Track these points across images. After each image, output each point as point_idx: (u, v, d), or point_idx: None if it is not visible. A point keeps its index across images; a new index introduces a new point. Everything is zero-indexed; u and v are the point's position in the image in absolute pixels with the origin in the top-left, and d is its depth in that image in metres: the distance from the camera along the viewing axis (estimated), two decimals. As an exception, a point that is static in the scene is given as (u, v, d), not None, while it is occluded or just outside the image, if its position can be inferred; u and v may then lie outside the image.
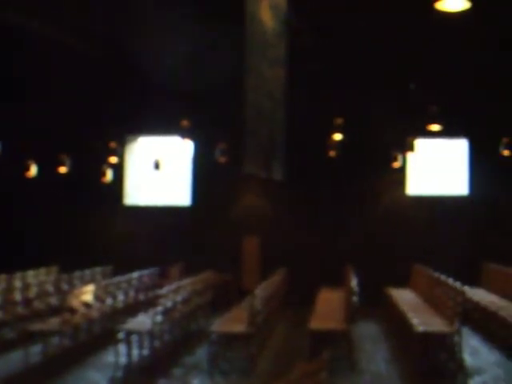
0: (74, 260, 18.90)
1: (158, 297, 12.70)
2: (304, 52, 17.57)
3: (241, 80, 13.32)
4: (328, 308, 13.94)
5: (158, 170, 19.38)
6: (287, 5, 15.75)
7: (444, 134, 19.19)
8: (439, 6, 6.99)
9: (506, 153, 18.60)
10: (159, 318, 12.30)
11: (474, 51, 18.45)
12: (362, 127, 19.37)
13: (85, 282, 16.56)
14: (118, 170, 20.85)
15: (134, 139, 21.80)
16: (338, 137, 18.25)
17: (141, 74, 19.43)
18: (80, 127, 20.57)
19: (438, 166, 20.51)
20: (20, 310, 14.47)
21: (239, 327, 11.76)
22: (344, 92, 19.23)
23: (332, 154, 19.10)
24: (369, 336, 14.97)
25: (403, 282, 17.87)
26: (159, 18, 17.17)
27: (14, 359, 12.41)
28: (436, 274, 14.70)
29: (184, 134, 16.29)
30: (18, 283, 15.97)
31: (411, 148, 17.80)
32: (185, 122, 15.93)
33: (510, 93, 18.85)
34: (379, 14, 16.99)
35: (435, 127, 15.71)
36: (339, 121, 17.39)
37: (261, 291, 12.82)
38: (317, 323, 12.06)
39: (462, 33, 17.37)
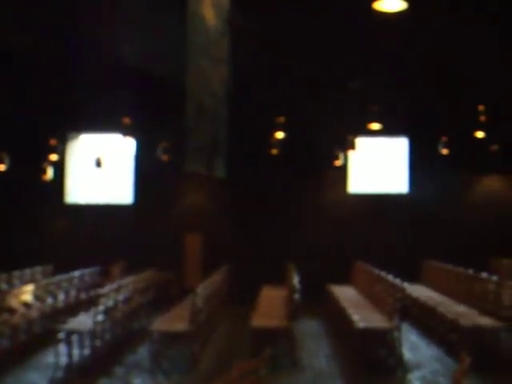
0: (14, 259, 18.56)
1: (100, 296, 12.55)
2: (247, 50, 17.60)
3: (183, 78, 13.31)
4: (270, 306, 14.00)
5: (100, 168, 19.17)
6: (230, 3, 15.78)
7: (384, 132, 19.51)
8: (377, 6, 7.09)
9: (444, 152, 18.98)
10: (100, 318, 12.16)
11: (414, 51, 18.76)
12: (303, 125, 19.52)
13: (24, 282, 16.27)
14: (59, 167, 20.56)
15: (76, 136, 21.53)
16: (279, 135, 18.38)
17: (83, 71, 19.19)
18: (20, 124, 20.19)
19: (378, 165, 20.80)
20: (-44, 310, 14.13)
21: (181, 325, 11.72)
22: (286, 90, 19.32)
23: (274, 151, 19.22)
24: (311, 333, 15.09)
25: (345, 279, 18.07)
26: (99, 14, 17.02)
27: (-50, 361, 12.13)
28: (376, 271, 14.89)
29: (126, 131, 16.17)
30: (-47, 283, 15.63)
31: (352, 146, 18.03)
32: (126, 120, 15.81)
33: (448, 92, 19.22)
34: (320, 14, 17.15)
35: (375, 126, 15.94)
36: (281, 119, 17.50)
37: (202, 289, 12.80)
38: (258, 321, 12.09)
39: (401, 32, 17.66)
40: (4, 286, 15.80)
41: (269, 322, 12.09)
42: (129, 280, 14.79)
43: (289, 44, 18.59)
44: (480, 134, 17.67)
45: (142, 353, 12.76)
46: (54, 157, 18.88)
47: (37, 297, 14.03)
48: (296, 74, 19.04)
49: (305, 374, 11.27)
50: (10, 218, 20.85)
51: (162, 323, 12.22)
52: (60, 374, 11.43)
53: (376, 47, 18.56)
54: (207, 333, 13.68)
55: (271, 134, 18.43)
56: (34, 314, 13.68)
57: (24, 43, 18.36)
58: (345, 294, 15.92)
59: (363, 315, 12.52)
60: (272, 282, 17.41)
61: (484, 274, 14.25)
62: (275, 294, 15.76)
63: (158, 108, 19.00)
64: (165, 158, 18.31)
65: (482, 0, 17.97)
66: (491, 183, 20.42)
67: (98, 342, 12.32)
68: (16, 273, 16.66)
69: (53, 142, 18.64)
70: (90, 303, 14.95)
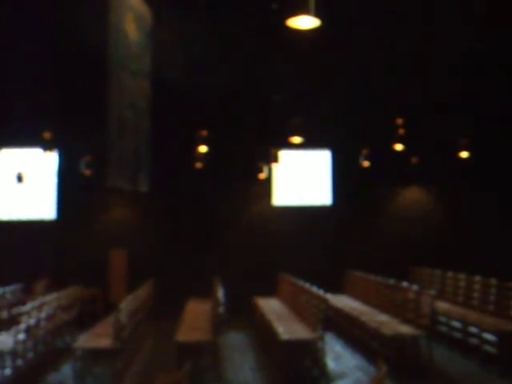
0: None
1: (21, 314, 12.32)
2: (169, 64, 17.60)
3: (104, 92, 13.22)
4: (195, 319, 13.98)
5: (21, 183, 18.84)
6: (152, 17, 15.77)
7: (307, 145, 19.79)
8: (291, 23, 7.20)
9: (365, 164, 19.36)
10: (22, 336, 11.94)
11: (334, 65, 19.15)
12: (227, 139, 19.62)
13: None
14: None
15: (-4, 151, 21.09)
16: (203, 149, 18.41)
17: (3, 86, 18.87)
18: None
19: (302, 177, 21.06)
20: None
21: (105, 342, 11.61)
22: (209, 104, 19.40)
23: (198, 165, 19.24)
24: (236, 346, 15.12)
25: (271, 292, 18.19)
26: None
27: None
28: (300, 283, 15.05)
29: (46, 146, 15.92)
30: None
31: (276, 159, 18.20)
32: (47, 134, 15.59)
33: (368, 105, 19.64)
34: (242, 30, 17.35)
35: (297, 139, 16.16)
36: (204, 133, 17.54)
37: (126, 305, 12.70)
38: (183, 335, 12.08)
39: (320, 47, 18.02)
40: None
41: (193, 336, 12.09)
42: (52, 297, 14.53)
43: (210, 57, 18.69)
44: (399, 147, 18.10)
45: (66, 371, 12.57)
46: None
47: (-45, 317, 13.65)
48: (218, 87, 19.14)
49: (230, 387, 11.32)
50: None
51: (85, 340, 12.07)
52: (-20, 395, 11.17)
53: (297, 61, 18.87)
54: (132, 349, 13.56)
55: (195, 148, 18.45)
56: (-48, 334, 13.30)
57: None
58: (270, 307, 16.03)
59: (288, 327, 12.65)
60: (198, 296, 17.39)
61: (405, 283, 14.59)
62: (200, 308, 15.75)
63: (80, 122, 18.79)
64: (87, 172, 18.12)
65: (393, 15, 18.51)
66: (411, 195, 20.92)
67: (19, 362, 12.08)
68: None
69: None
70: (11, 322, 14.64)
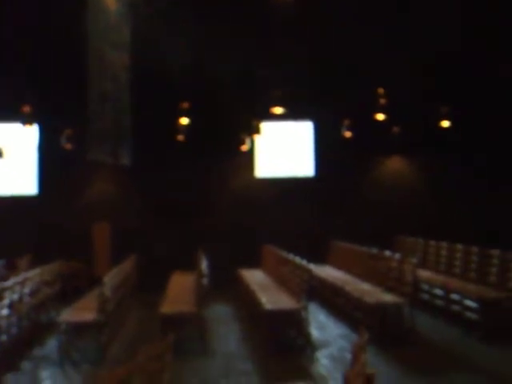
0: None
1: (4, 289, 12.27)
2: (149, 35, 17.44)
3: (83, 63, 13.11)
4: (179, 292, 14.02)
5: (2, 158, 18.67)
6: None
7: (290, 116, 19.73)
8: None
9: (347, 134, 19.35)
10: (5, 312, 11.91)
11: (315, 35, 19.05)
12: (208, 111, 19.50)
13: None
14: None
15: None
16: (184, 121, 18.29)
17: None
18: None
19: (284, 148, 21.04)
20: None
21: (89, 316, 11.60)
22: (191, 76, 19.26)
23: (180, 138, 19.15)
24: (221, 318, 15.19)
25: (255, 263, 18.23)
26: None
27: None
28: (283, 254, 15.09)
29: (26, 120, 15.78)
30: None
31: (257, 131, 18.15)
32: (26, 108, 15.44)
33: (349, 76, 19.58)
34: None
35: (278, 110, 16.12)
36: (185, 105, 17.43)
37: (110, 278, 12.69)
38: (167, 307, 12.11)
39: (300, 17, 17.92)
40: None
41: (177, 308, 12.12)
42: (35, 272, 14.50)
43: (192, 28, 18.51)
44: (380, 117, 18.09)
45: (51, 345, 12.56)
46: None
47: None
48: (199, 58, 19.00)
49: (215, 358, 11.36)
50: None
51: (70, 314, 12.06)
52: (-36, 371, 11.15)
53: (278, 32, 18.75)
54: (116, 322, 13.57)
55: (176, 120, 18.33)
56: None
57: None
58: (254, 278, 16.08)
59: (271, 297, 12.70)
60: (183, 269, 17.40)
61: (387, 252, 14.67)
62: (185, 280, 15.78)
63: (60, 95, 18.62)
64: (68, 146, 17.99)
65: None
66: (393, 164, 20.97)
67: (3, 337, 12.05)
68: None
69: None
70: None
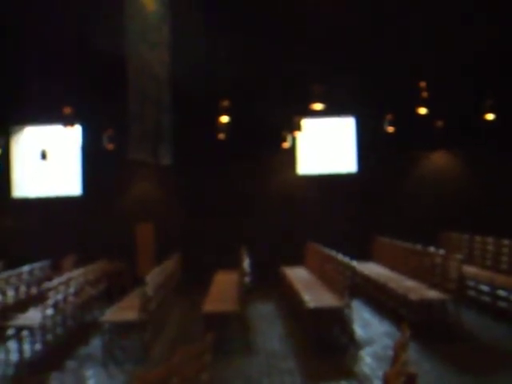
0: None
1: (48, 290, 12.40)
2: (188, 34, 17.45)
3: (123, 64, 13.17)
4: (222, 290, 13.99)
5: (46, 160, 18.90)
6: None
7: (331, 112, 19.56)
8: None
9: (390, 129, 19.11)
10: (50, 312, 12.03)
11: (356, 30, 18.87)
12: (249, 109, 19.43)
13: (-27, 279, 15.95)
14: (4, 161, 20.21)
15: (20, 130, 21.18)
16: (225, 119, 18.23)
17: (22, 62, 18.88)
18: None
19: (326, 145, 20.88)
20: None
21: (132, 315, 11.64)
22: (231, 73, 19.23)
23: (221, 136, 19.12)
24: (264, 316, 15.12)
25: (297, 261, 18.12)
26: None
27: None
28: (326, 251, 14.97)
29: (67, 121, 15.91)
30: None
31: (299, 128, 18.02)
32: (67, 110, 15.57)
33: (392, 70, 19.34)
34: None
35: (319, 106, 15.95)
36: (226, 103, 17.38)
37: (153, 278, 12.73)
38: (210, 306, 12.09)
39: (342, 11, 17.75)
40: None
41: (220, 307, 12.10)
42: (79, 272, 14.63)
43: (231, 25, 18.48)
44: (423, 111, 17.79)
45: (95, 344, 12.66)
46: (-3, 151, 18.49)
47: (-15, 294, 13.79)
48: (234, 56, 18.96)
49: (258, 356, 11.30)
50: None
51: (113, 313, 12.13)
52: (11, 370, 11.28)
53: (319, 27, 18.61)
54: (159, 321, 13.62)
55: (216, 119, 18.28)
56: (-18, 311, 13.47)
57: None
58: (297, 276, 15.98)
59: (315, 295, 12.60)
60: (225, 268, 17.39)
61: (431, 249, 14.44)
62: (227, 279, 15.76)
63: (102, 96, 18.76)
64: (110, 146, 18.10)
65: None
66: (437, 159, 20.65)
67: (48, 337, 12.20)
68: (-36, 270, 16.37)
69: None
70: (40, 298, 14.75)
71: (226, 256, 18.53)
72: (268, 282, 17.96)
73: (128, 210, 20.38)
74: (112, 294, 16.84)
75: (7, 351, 11.85)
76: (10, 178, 21.04)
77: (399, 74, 19.24)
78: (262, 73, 19.45)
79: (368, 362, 10.60)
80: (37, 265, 17.18)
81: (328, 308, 11.87)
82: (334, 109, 19.21)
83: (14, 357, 11.81)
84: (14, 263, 17.38)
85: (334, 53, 19.30)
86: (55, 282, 12.98)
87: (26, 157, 21.15)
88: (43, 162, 19.13)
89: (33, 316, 12.26)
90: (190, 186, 20.24)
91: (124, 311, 12.19)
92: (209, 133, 19.22)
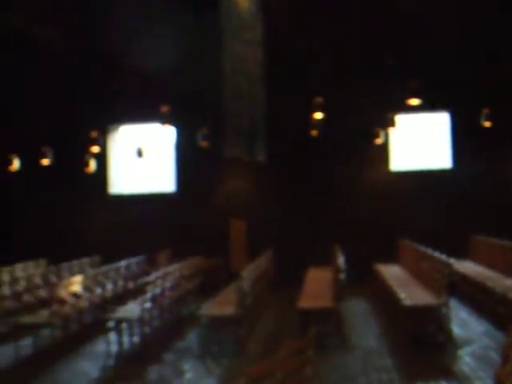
0: (62, 252, 18.87)
1: (147, 284, 12.70)
2: (281, 31, 17.50)
3: (218, 63, 13.31)
4: (316, 287, 13.99)
5: (141, 158, 19.34)
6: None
7: (425, 107, 19.20)
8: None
9: (486, 124, 18.63)
10: (148, 305, 12.32)
11: (451, 24, 18.50)
12: (342, 105, 19.30)
13: (73, 273, 16.50)
14: (101, 159, 20.78)
15: (116, 128, 21.74)
16: (318, 116, 18.15)
17: (118, 62, 19.32)
18: (61, 118, 20.51)
19: (420, 141, 20.56)
20: (9, 303, 14.43)
21: (228, 310, 11.79)
22: (323, 69, 19.17)
23: (313, 133, 19.08)
24: (358, 313, 15.05)
25: (390, 258, 17.92)
26: (135, 4, 17.10)
27: (5, 353, 12.39)
28: (422, 248, 14.75)
29: (164, 120, 16.22)
30: (6, 277, 15.91)
31: (392, 123, 17.82)
32: (164, 108, 15.86)
33: (488, 64, 18.88)
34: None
35: (415, 101, 15.70)
36: (319, 99, 17.32)
37: (248, 273, 12.85)
38: (305, 302, 12.11)
39: (437, 5, 17.43)
40: (53, 279, 16.08)
41: (316, 303, 12.09)
42: (175, 267, 14.92)
43: (323, 21, 18.42)
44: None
45: (191, 338, 12.91)
46: (95, 149, 19.00)
47: (86, 287, 14.23)
48: (332, 51, 18.88)
49: (354, 352, 11.27)
50: (56, 212, 21.16)
51: (209, 308, 12.32)
52: (111, 361, 11.62)
53: (413, 20, 18.34)
54: (254, 316, 13.73)
55: (310, 115, 18.22)
56: (83, 304, 13.91)
57: (60, 36, 18.53)
58: (391, 273, 15.83)
59: (410, 293, 12.45)
60: (317, 264, 17.36)
61: (532, 246, 14.04)
62: (321, 276, 15.73)
63: (196, 94, 19.03)
64: (204, 144, 18.33)
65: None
66: (537, 154, 20.01)
67: (147, 329, 12.50)
68: (64, 265, 16.92)
69: (94, 134, 18.75)
70: (137, 292, 15.14)
71: (318, 253, 18.52)
72: (360, 279, 17.83)
73: (221, 206, 20.61)
74: (206, 288, 17.09)
75: (107, 343, 12.18)
76: (107, 175, 21.61)
77: (496, 67, 18.74)
78: (354, 69, 19.29)
79: (467, 361, 10.38)
80: (133, 260, 17.64)
81: (425, 306, 11.71)
82: (428, 104, 18.85)
83: (113, 348, 12.14)
84: (110, 258, 17.87)
85: (429, 47, 18.93)
86: (153, 276, 13.28)
87: (122, 154, 21.68)
88: (139, 159, 19.59)
89: (131, 309, 12.58)
90: (282, 182, 20.29)
91: (220, 306, 12.36)
92: (301, 130, 19.19)
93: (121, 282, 16.38)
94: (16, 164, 19.43)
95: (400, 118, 19.55)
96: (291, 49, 18.14)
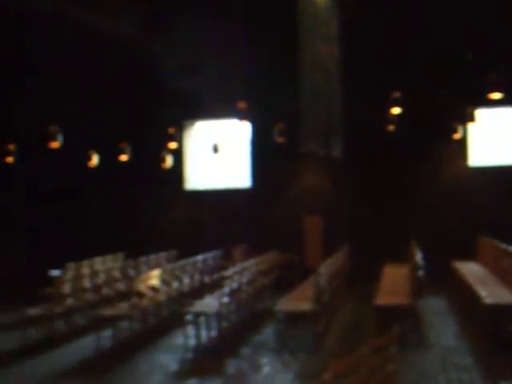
0: (139, 246, 19.21)
1: (224, 278, 12.82)
2: (357, 26, 17.37)
3: (295, 58, 13.33)
4: (393, 284, 13.85)
5: (217, 154, 19.49)
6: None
7: (505, 102, 18.74)
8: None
9: None
10: (226, 299, 12.43)
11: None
12: (420, 99, 19.00)
13: (150, 267, 16.79)
14: (178, 155, 21.05)
15: (191, 124, 21.99)
16: (396, 110, 17.90)
17: (194, 58, 19.50)
18: (138, 115, 20.87)
19: (500, 136, 20.09)
20: (89, 296, 14.80)
21: (305, 305, 11.79)
22: (400, 64, 18.93)
23: (391, 128, 18.86)
24: (436, 310, 14.86)
25: (469, 255, 17.58)
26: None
27: (86, 344, 12.72)
28: (503, 246, 14.43)
29: (242, 115, 16.33)
30: (86, 270, 16.29)
31: (471, 118, 17.47)
32: (242, 104, 15.96)
33: None
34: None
35: (496, 95, 15.34)
36: (397, 94, 17.10)
37: (325, 269, 12.83)
38: (382, 299, 12.00)
39: None
40: (132, 272, 16.41)
41: (393, 300, 11.97)
42: (252, 262, 15.02)
43: (401, 16, 18.20)
44: None
45: (267, 333, 12.96)
46: (173, 145, 19.26)
47: (163, 281, 14.45)
48: (410, 46, 18.63)
49: (432, 351, 11.14)
50: (133, 207, 21.55)
51: (286, 303, 12.35)
52: (189, 355, 11.77)
53: (492, 12, 17.94)
54: (331, 312, 13.70)
55: (387, 110, 18.00)
56: (161, 297, 14.13)
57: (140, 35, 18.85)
58: (470, 270, 15.53)
59: (491, 291, 12.20)
60: (393, 261, 17.18)
61: None
62: (398, 272, 15.58)
63: (272, 90, 19.06)
64: (281, 140, 18.34)
65: None
66: None
67: (224, 324, 12.62)
68: (142, 259, 17.22)
69: (171, 130, 19.01)
70: (213, 286, 15.32)
71: (395, 249, 18.30)
72: (439, 277, 17.55)
73: (296, 202, 20.62)
74: (281, 284, 17.14)
75: (185, 336, 12.34)
76: (183, 170, 21.88)
77: None
78: (433, 63, 18.98)
79: (550, 361, 10.14)
80: (209, 254, 17.82)
81: (506, 305, 11.46)
82: (508, 98, 18.40)
83: (191, 342, 12.30)
84: (186, 253, 18.08)
85: (508, 40, 18.49)
86: (231, 271, 13.39)
87: (198, 150, 21.90)
88: (215, 155, 19.76)
89: (209, 303, 12.72)
90: (358, 178, 20.13)
91: (297, 301, 12.37)
92: (378, 125, 18.99)
93: (197, 276, 16.57)
94: (95, 160, 19.80)
95: (480, 113, 19.11)
96: (368, 43, 17.96)
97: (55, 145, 17.08)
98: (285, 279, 17.73)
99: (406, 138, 19.60)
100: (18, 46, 20.25)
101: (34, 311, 13.15)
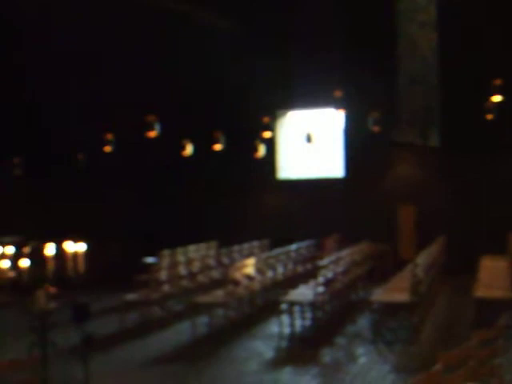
0: (231, 235, 19.40)
1: (319, 268, 12.80)
2: (456, 12, 16.95)
3: (392, 46, 13.16)
4: (492, 276, 13.50)
5: (310, 143, 19.45)
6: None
7: None
8: None
9: None
10: (321, 289, 12.41)
11: None
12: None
13: (243, 256, 16.93)
14: (270, 144, 21.11)
15: (284, 113, 22.01)
16: (496, 99, 17.34)
17: (290, 49, 19.52)
18: (232, 104, 21.01)
19: None
20: (185, 283, 15.06)
21: (402, 296, 11.65)
22: (501, 50, 18.36)
23: (489, 117, 18.32)
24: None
25: None
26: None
27: (182, 330, 12.98)
28: None
29: (337, 104, 16.25)
30: (181, 258, 16.55)
31: None
32: (338, 93, 15.87)
33: None
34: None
35: None
36: (498, 81, 16.57)
37: (422, 260, 12.65)
38: (482, 291, 11.74)
39: None
40: (225, 260, 16.61)
41: (493, 292, 11.70)
42: (346, 252, 14.94)
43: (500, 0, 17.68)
44: None
45: (362, 323, 12.90)
46: (267, 134, 19.34)
47: (258, 270, 14.54)
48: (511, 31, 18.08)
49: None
50: (227, 196, 21.74)
51: (382, 294, 12.23)
52: (284, 343, 11.84)
53: None
54: (428, 303, 13.51)
55: (487, 98, 17.46)
56: (256, 286, 14.23)
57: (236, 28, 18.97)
58: None
59: None
60: (491, 253, 16.75)
61: None
62: (496, 265, 15.16)
63: (367, 79, 18.85)
64: (376, 129, 18.12)
65: None
66: None
67: (319, 313, 12.61)
68: (235, 247, 17.39)
69: (265, 119, 19.09)
70: (306, 275, 15.34)
71: (490, 241, 17.83)
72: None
73: (390, 192, 20.34)
74: (374, 274, 17.00)
75: (280, 325, 12.39)
76: (276, 160, 21.93)
77: None
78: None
79: None
80: (303, 244, 17.82)
81: None
82: None
83: (286, 330, 12.35)
84: (279, 242, 18.14)
85: None
86: (326, 260, 13.36)
87: (291, 140, 21.91)
88: (308, 144, 19.72)
89: (304, 292, 12.74)
90: (455, 168, 19.63)
91: (393, 292, 12.23)
92: (477, 114, 18.47)
93: (290, 266, 16.61)
94: (189, 149, 20.08)
95: None
96: (466, 30, 17.50)
97: (152, 134, 17.41)
98: (378, 270, 17.57)
99: (505, 128, 18.99)
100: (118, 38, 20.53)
101: (131, 296, 13.51)
